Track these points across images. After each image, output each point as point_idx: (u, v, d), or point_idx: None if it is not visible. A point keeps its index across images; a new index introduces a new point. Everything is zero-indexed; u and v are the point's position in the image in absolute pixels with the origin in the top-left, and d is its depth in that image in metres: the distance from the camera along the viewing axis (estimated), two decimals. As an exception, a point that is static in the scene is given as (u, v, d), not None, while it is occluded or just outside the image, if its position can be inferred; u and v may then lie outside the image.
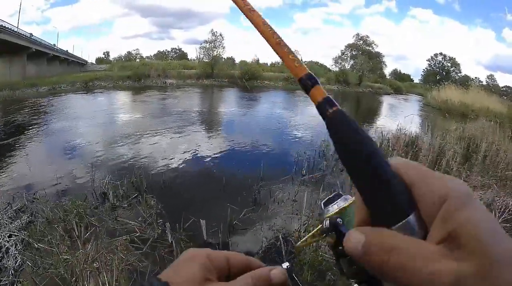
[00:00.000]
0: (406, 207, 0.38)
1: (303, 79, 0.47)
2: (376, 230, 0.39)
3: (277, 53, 0.53)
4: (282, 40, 0.53)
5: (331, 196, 0.61)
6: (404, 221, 0.37)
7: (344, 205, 0.56)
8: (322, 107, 0.44)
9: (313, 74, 0.47)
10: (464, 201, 0.35)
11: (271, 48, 0.53)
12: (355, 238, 0.39)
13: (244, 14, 0.62)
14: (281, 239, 4.88)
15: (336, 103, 0.43)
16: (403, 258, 0.35)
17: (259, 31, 0.57)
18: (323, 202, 0.59)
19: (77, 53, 75.28)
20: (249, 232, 5.43)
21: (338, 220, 0.49)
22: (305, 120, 17.76)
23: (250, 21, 0.60)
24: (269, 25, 0.57)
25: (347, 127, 0.42)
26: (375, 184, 0.39)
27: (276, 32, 0.55)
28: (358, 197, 0.42)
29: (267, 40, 0.55)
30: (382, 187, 0.39)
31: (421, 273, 0.33)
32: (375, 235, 0.38)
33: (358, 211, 0.43)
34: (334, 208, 0.57)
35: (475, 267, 0.31)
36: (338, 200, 0.58)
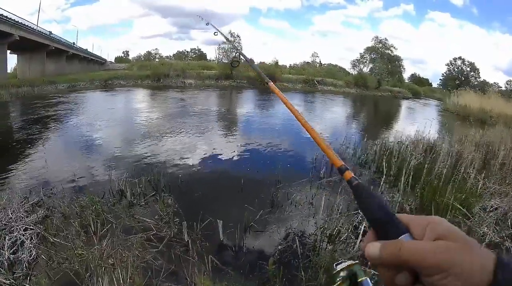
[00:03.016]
0: (403, 229, 0.59)
1: (341, 167, 0.74)
2: (387, 240, 0.59)
3: (323, 149, 0.84)
4: (326, 142, 0.85)
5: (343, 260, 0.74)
6: (402, 236, 0.58)
7: (352, 262, 0.68)
8: (351, 181, 0.70)
9: (345, 165, 0.74)
10: (441, 221, 0.58)
11: (318, 146, 0.87)
12: (374, 246, 0.59)
13: (297, 119, 1.01)
14: (297, 241, 4.82)
15: (358, 179, 0.70)
16: (410, 243, 0.56)
17: (312, 136, 0.90)
18: (335, 263, 0.71)
19: (96, 52, 76.35)
20: (266, 234, 5.35)
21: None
22: (324, 123, 17.81)
23: (306, 129, 0.96)
24: (316, 132, 0.90)
25: (366, 192, 0.67)
26: (386, 219, 0.62)
27: (324, 139, 0.87)
28: (369, 232, 0.64)
29: (317, 141, 0.87)
30: (389, 221, 0.61)
31: (425, 247, 0.53)
32: (387, 241, 0.58)
33: (368, 239, 0.62)
34: (343, 265, 0.69)
35: (459, 243, 0.53)
36: (346, 261, 0.69)
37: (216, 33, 2.97)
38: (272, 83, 1.39)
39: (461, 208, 5.46)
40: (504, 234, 5.06)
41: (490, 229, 5.11)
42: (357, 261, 0.66)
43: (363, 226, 5.00)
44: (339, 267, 0.67)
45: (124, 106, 21.78)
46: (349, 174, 0.71)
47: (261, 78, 1.53)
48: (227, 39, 2.55)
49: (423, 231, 0.57)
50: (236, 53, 2.16)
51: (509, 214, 5.57)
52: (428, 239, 0.55)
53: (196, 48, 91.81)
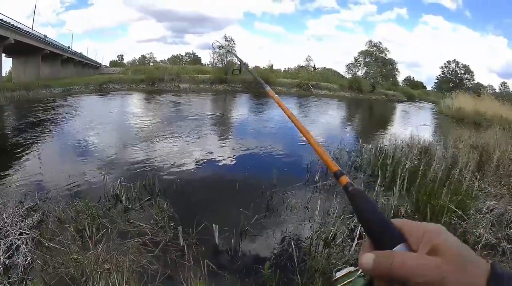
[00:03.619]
0: (399, 238, 0.58)
1: (337, 172, 0.73)
2: (381, 251, 0.58)
3: (318, 154, 0.83)
4: (322, 147, 0.83)
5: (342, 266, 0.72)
6: (398, 246, 0.57)
7: (353, 269, 0.65)
8: (347, 186, 0.69)
9: (341, 170, 0.73)
10: (438, 231, 0.57)
11: (314, 151, 0.84)
12: (367, 257, 0.58)
13: (294, 124, 1.00)
14: (293, 245, 4.82)
15: (354, 185, 0.69)
16: (402, 257, 0.55)
17: (307, 139, 0.90)
18: (334, 270, 0.70)
19: (91, 55, 76.29)
20: (261, 238, 5.36)
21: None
22: (318, 127, 17.84)
23: (300, 131, 0.95)
24: (312, 136, 0.90)
25: (362, 198, 0.66)
26: (381, 227, 0.61)
27: (318, 142, 0.86)
28: (366, 240, 0.64)
29: (313, 146, 0.86)
30: (385, 229, 0.60)
31: (416, 264, 0.52)
32: (380, 252, 0.58)
33: (364, 248, 0.62)
34: (342, 272, 0.67)
35: (451, 261, 0.51)
36: (347, 268, 0.68)
37: (221, 47, 3.03)
38: (269, 88, 1.40)
39: (457, 210, 5.48)
40: (500, 235, 5.07)
41: (486, 231, 5.13)
42: (358, 268, 0.65)
43: (358, 230, 5.00)
44: (338, 274, 0.66)
45: (119, 111, 21.76)
46: (345, 179, 0.70)
47: (260, 85, 1.54)
48: (236, 56, 2.58)
49: (419, 240, 0.57)
50: (237, 62, 2.20)
51: (505, 215, 5.59)
52: (422, 251, 0.55)
53: (191, 52, 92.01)
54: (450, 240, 0.55)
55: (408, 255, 0.56)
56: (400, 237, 0.59)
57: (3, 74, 35.55)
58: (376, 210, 0.63)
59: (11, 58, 40.37)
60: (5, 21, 29.34)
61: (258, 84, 1.52)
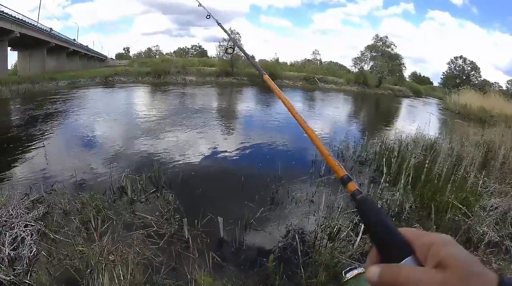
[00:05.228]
0: (407, 251, 0.57)
1: (343, 177, 0.72)
2: (387, 264, 0.57)
3: (324, 157, 0.82)
4: (330, 152, 0.82)
5: (351, 266, 0.73)
6: (405, 259, 0.56)
7: (363, 270, 0.64)
8: (354, 194, 0.67)
9: (349, 175, 0.72)
10: (446, 243, 0.55)
11: (321, 154, 0.84)
12: (373, 270, 0.57)
13: (302, 128, 0.99)
14: (297, 239, 4.81)
15: (362, 192, 0.66)
16: (408, 272, 0.54)
17: (313, 141, 0.90)
18: (344, 270, 0.69)
19: (97, 48, 76.52)
20: (266, 231, 5.36)
21: None
22: (323, 120, 17.80)
23: (305, 131, 0.97)
24: (320, 140, 0.88)
25: (370, 208, 0.64)
26: (389, 239, 0.59)
27: (324, 145, 0.85)
28: (373, 249, 0.62)
29: (318, 148, 0.86)
30: (393, 241, 0.59)
31: (422, 280, 0.51)
32: (387, 266, 0.57)
33: (371, 258, 0.62)
34: (352, 273, 0.65)
35: (457, 276, 0.49)
36: (356, 268, 0.66)
37: (208, 17, 3.01)
38: (267, 76, 1.33)
39: (461, 207, 5.47)
40: (503, 233, 5.06)
41: (490, 228, 5.11)
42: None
43: (363, 225, 4.99)
44: (349, 275, 0.66)
45: (125, 103, 21.80)
46: (352, 186, 0.69)
47: (258, 70, 1.48)
48: (224, 29, 2.54)
49: (426, 252, 0.56)
50: (229, 41, 2.17)
51: (509, 214, 5.57)
52: (429, 265, 0.54)
53: (197, 45, 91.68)
54: (456, 253, 0.54)
55: (414, 270, 0.55)
56: (408, 250, 0.57)
57: (9, 68, 35.65)
58: (386, 221, 0.61)
59: (16, 52, 40.40)
60: (10, 15, 29.36)
61: (259, 72, 1.45)
